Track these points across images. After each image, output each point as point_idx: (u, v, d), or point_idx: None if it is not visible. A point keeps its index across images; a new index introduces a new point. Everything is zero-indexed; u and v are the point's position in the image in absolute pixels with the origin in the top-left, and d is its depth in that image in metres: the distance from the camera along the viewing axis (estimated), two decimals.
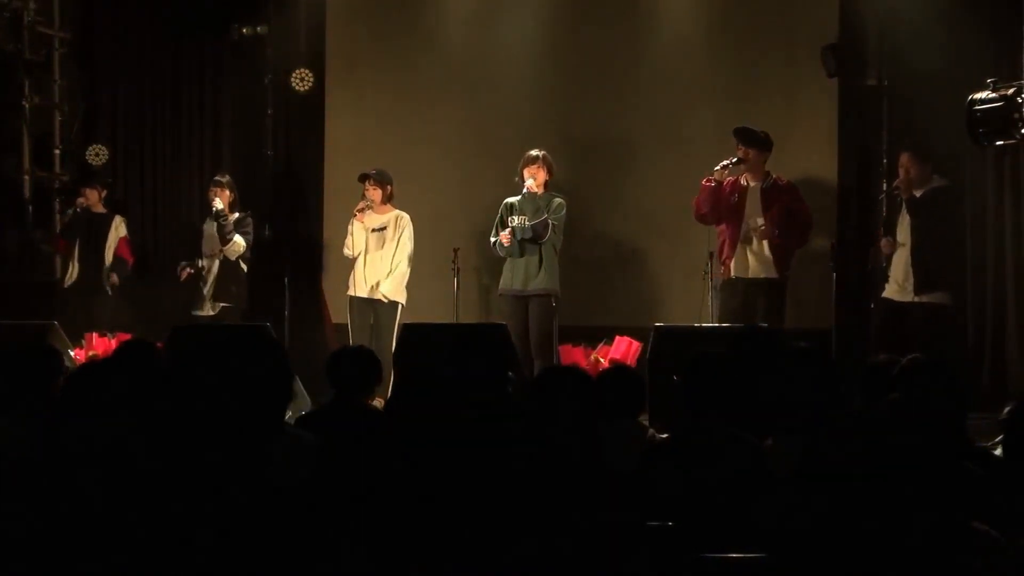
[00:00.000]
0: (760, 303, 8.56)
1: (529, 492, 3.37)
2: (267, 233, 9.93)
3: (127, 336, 8.07)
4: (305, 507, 3.29)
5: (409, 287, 9.05)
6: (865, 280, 9.20)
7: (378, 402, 6.61)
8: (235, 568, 3.12)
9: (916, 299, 8.42)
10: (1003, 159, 9.04)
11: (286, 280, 9.74)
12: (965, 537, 2.73)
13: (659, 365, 7.41)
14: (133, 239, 9.86)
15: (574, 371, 4.08)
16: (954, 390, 4.04)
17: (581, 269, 9.50)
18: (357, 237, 9.05)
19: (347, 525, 3.21)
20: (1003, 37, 8.78)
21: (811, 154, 9.62)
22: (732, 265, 8.63)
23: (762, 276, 8.61)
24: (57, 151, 10.22)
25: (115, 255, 9.71)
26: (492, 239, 8.77)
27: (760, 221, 8.61)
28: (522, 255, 8.63)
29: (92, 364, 4.60)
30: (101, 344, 8.70)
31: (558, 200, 8.68)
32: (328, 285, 10.08)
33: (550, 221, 8.57)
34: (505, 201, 8.76)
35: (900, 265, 8.50)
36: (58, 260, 9.94)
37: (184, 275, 9.41)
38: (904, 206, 8.47)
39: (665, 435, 4.71)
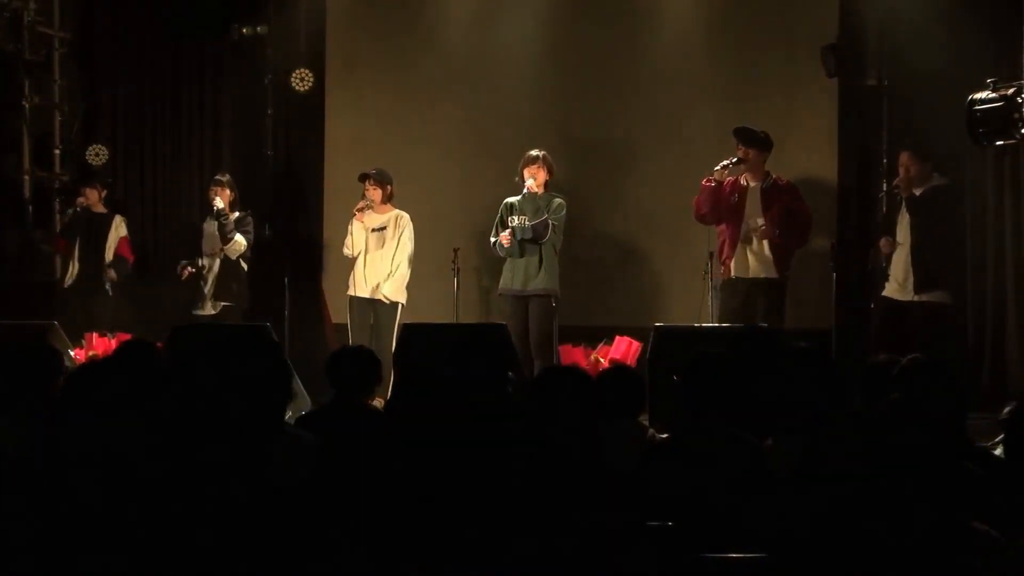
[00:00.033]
0: (760, 303, 8.56)
1: (529, 492, 3.37)
2: (267, 233, 9.93)
3: (127, 336, 8.07)
4: (305, 507, 3.29)
5: (409, 287, 9.05)
6: (865, 280, 9.20)
7: (378, 402, 6.61)
8: (235, 568, 3.12)
9: (916, 298, 8.41)
10: (1003, 159, 9.04)
11: (286, 280, 9.74)
12: (965, 537, 2.73)
13: (659, 365, 7.41)
14: (133, 239, 9.86)
15: (574, 371, 4.08)
16: (954, 390, 4.04)
17: (581, 269, 9.50)
18: (357, 237, 9.05)
19: (347, 525, 3.20)
20: (1003, 37, 8.78)
21: (811, 154, 9.62)
22: (732, 265, 8.63)
23: (762, 276, 8.61)
24: (57, 151, 10.22)
25: (116, 254, 9.71)
26: (492, 239, 8.76)
27: (760, 221, 8.61)
28: (522, 255, 8.63)
29: (92, 364, 4.59)
30: (101, 344, 8.70)
31: (558, 200, 8.68)
32: (328, 285, 10.08)
33: (550, 221, 8.57)
34: (505, 201, 8.76)
35: (900, 264, 8.50)
36: (58, 260, 9.94)
37: (185, 274, 9.41)
38: (904, 205, 8.47)
39: (665, 435, 4.71)
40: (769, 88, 9.69)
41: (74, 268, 9.69)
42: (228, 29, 9.97)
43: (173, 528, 3.14)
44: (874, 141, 9.47)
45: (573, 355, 8.52)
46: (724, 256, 8.66)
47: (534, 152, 8.72)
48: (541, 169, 8.67)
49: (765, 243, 8.61)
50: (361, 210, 9.02)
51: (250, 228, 9.41)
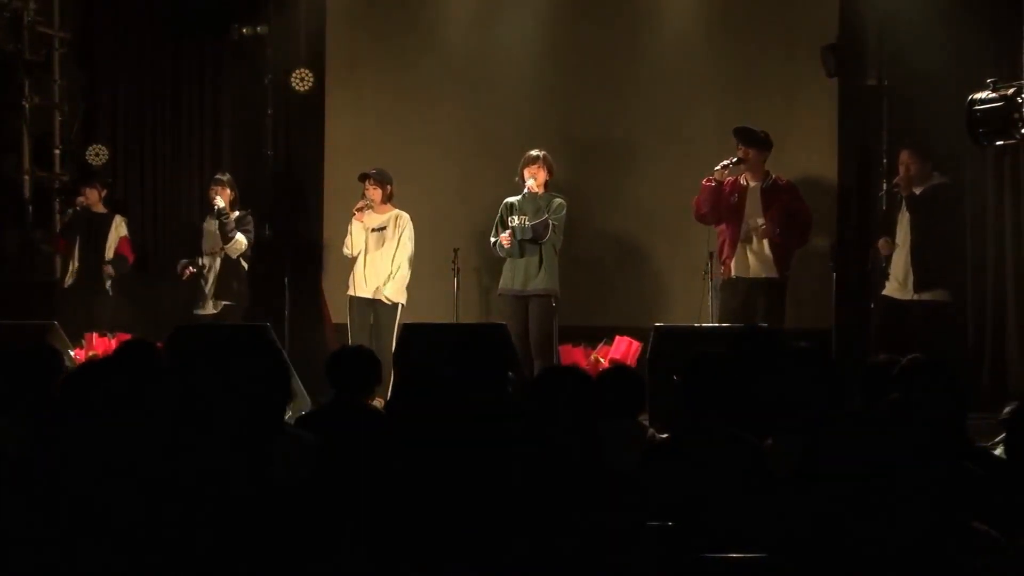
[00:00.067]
0: (760, 303, 8.56)
1: (529, 492, 3.37)
2: (267, 233, 9.93)
3: (127, 336, 8.07)
4: (305, 507, 3.29)
5: (409, 287, 9.05)
6: (865, 280, 9.20)
7: (378, 402, 6.61)
8: (235, 568, 3.12)
9: (916, 297, 8.41)
10: (1003, 159, 9.04)
11: (286, 280, 9.75)
12: (965, 537, 2.73)
13: (659, 365, 7.41)
14: (133, 239, 9.86)
15: (574, 371, 4.08)
16: (954, 390, 4.04)
17: (581, 269, 9.50)
18: (356, 237, 9.05)
19: (347, 525, 3.20)
20: (1003, 37, 8.78)
21: (811, 154, 9.62)
22: (732, 265, 8.63)
23: (762, 276, 8.61)
24: (57, 151, 10.22)
25: (116, 253, 9.71)
26: (492, 239, 8.76)
27: (761, 221, 8.62)
28: (522, 255, 8.63)
29: (92, 364, 4.59)
30: (101, 344, 8.70)
31: (558, 200, 8.68)
32: (328, 285, 10.08)
33: (550, 221, 8.57)
34: (505, 201, 8.76)
35: (900, 263, 8.50)
36: (58, 260, 9.94)
37: (186, 274, 9.40)
38: (904, 203, 8.46)
39: (665, 435, 4.71)
40: (769, 88, 9.69)
41: (74, 268, 9.69)
42: (228, 29, 9.97)
43: (173, 528, 3.14)
44: (874, 141, 9.47)
45: (573, 355, 8.52)
46: (724, 256, 8.66)
47: (534, 152, 8.72)
48: (541, 169, 8.67)
49: (765, 243, 8.61)
50: (361, 210, 9.02)
51: (251, 227, 9.42)
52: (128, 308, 9.57)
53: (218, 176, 9.51)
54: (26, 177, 10.07)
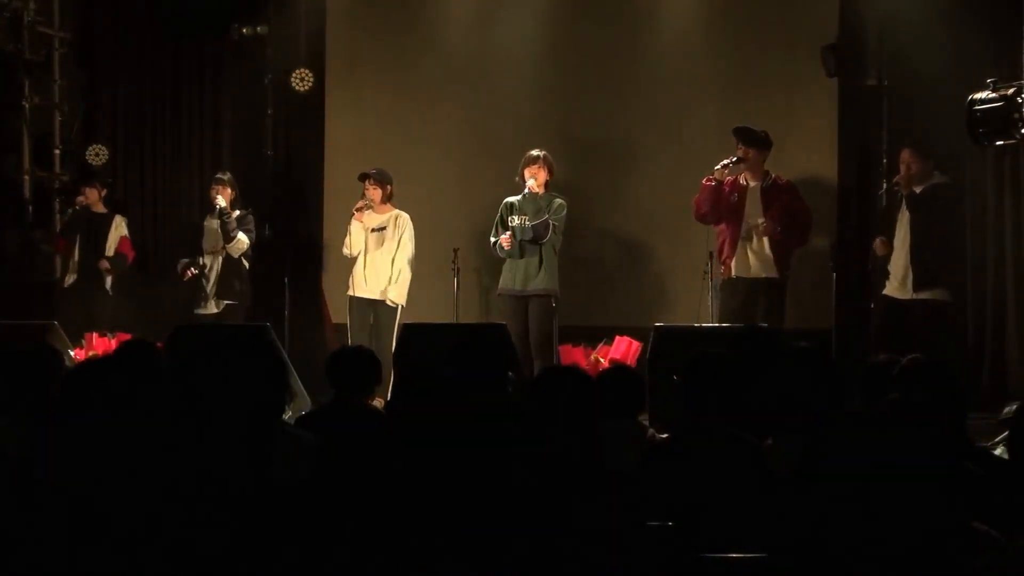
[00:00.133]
0: (760, 303, 8.56)
1: (529, 492, 3.37)
2: (267, 232, 9.93)
3: (127, 336, 8.07)
4: (305, 507, 3.29)
5: (409, 287, 9.05)
6: (865, 280, 9.19)
7: (378, 402, 6.61)
8: (235, 568, 3.12)
9: (916, 296, 8.40)
10: (1003, 159, 9.04)
11: (286, 280, 9.75)
12: (965, 537, 2.73)
13: (659, 365, 7.41)
14: (134, 239, 9.86)
15: (574, 371, 4.08)
16: (954, 390, 4.04)
17: (581, 269, 9.50)
18: (356, 237, 9.05)
19: (347, 525, 3.20)
20: (1003, 37, 8.78)
21: (811, 154, 9.62)
22: (733, 265, 8.63)
23: (763, 276, 8.62)
24: (57, 151, 10.22)
25: (116, 252, 9.70)
26: (492, 239, 8.76)
27: (761, 220, 8.62)
28: (522, 256, 8.63)
29: (91, 362, 4.59)
30: (101, 344, 8.70)
31: (559, 201, 8.68)
32: (328, 285, 10.08)
33: (551, 222, 8.57)
34: (505, 200, 8.76)
35: (900, 262, 8.49)
36: (58, 260, 9.93)
37: (187, 275, 9.39)
38: (904, 202, 8.46)
39: (665, 435, 4.71)
40: (769, 88, 9.69)
41: (74, 268, 9.68)
42: (228, 29, 9.97)
43: (173, 528, 3.14)
44: (874, 141, 9.47)
45: (573, 355, 8.52)
46: (724, 256, 8.66)
47: (535, 152, 8.72)
48: (542, 169, 8.67)
49: (766, 242, 8.61)
50: (360, 210, 9.02)
51: (251, 226, 9.43)
52: (128, 308, 9.57)
53: (219, 175, 9.52)
54: (26, 177, 10.07)
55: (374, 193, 9.05)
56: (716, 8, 9.89)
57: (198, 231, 9.63)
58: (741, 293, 8.62)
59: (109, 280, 9.68)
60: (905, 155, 8.49)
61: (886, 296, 8.60)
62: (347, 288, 9.13)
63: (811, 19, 9.67)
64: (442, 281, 9.08)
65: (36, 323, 8.55)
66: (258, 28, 9.94)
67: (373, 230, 9.05)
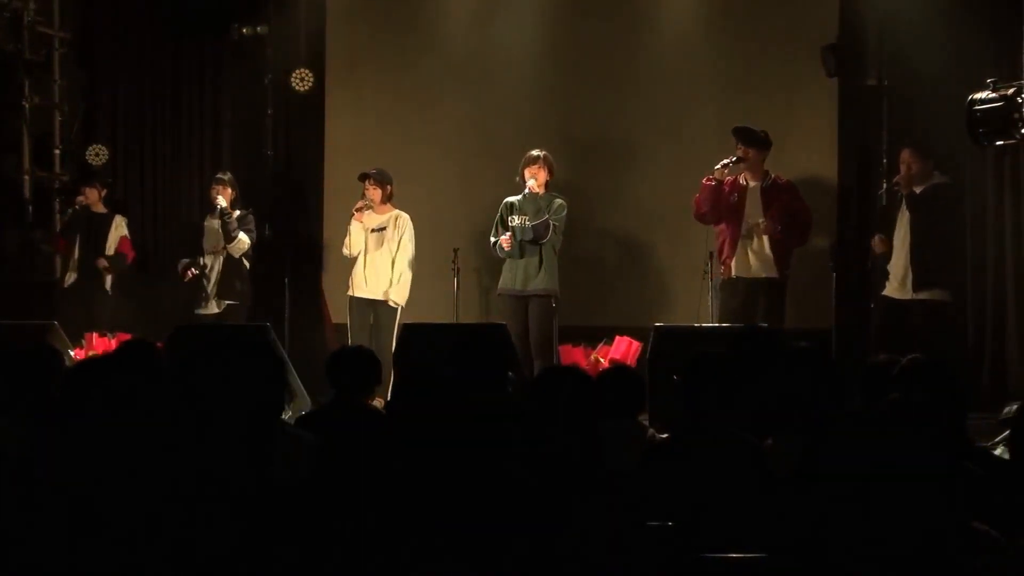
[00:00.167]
0: (760, 303, 8.56)
1: (529, 492, 3.37)
2: (267, 233, 9.93)
3: (127, 336, 8.06)
4: (305, 507, 3.29)
5: (409, 287, 9.06)
6: (865, 280, 9.20)
7: (378, 402, 6.61)
8: (235, 568, 3.12)
9: (915, 296, 8.40)
10: (1003, 159, 9.04)
11: (286, 280, 9.75)
12: (965, 537, 2.73)
13: (659, 365, 7.42)
14: (134, 239, 9.86)
15: (574, 371, 4.08)
16: (954, 390, 4.04)
17: (581, 269, 9.50)
18: (356, 237, 9.05)
19: (347, 525, 3.20)
20: (1003, 37, 8.78)
21: (811, 154, 9.62)
22: (733, 264, 8.63)
23: (763, 276, 8.62)
24: (57, 151, 10.22)
25: (116, 251, 9.70)
26: (492, 239, 8.76)
27: (762, 220, 8.62)
28: (522, 256, 8.64)
29: (90, 361, 4.58)
30: (101, 344, 8.70)
31: (559, 201, 8.68)
32: (328, 285, 10.08)
33: (551, 222, 8.57)
34: (505, 200, 8.76)
35: (900, 262, 8.49)
36: (58, 260, 9.93)
37: (187, 275, 9.38)
38: (904, 202, 8.46)
39: (665, 435, 4.71)
40: (769, 88, 9.69)
41: (74, 268, 9.68)
42: (228, 29, 9.97)
43: (173, 528, 3.14)
44: (874, 141, 9.47)
45: (573, 355, 8.52)
46: (724, 256, 8.67)
47: (535, 152, 8.72)
48: (542, 169, 8.67)
49: (766, 242, 8.62)
50: (360, 210, 9.02)
51: (252, 226, 9.43)
52: (128, 308, 9.57)
53: (219, 175, 9.52)
54: (26, 177, 10.07)
55: (374, 193, 9.04)
56: (716, 8, 9.89)
57: (198, 231, 9.63)
58: (741, 293, 8.62)
59: (109, 280, 9.68)
60: (905, 155, 8.49)
61: (885, 297, 8.60)
62: (347, 288, 9.13)
63: (811, 19, 9.67)
64: (442, 281, 9.08)
65: (36, 323, 8.55)
66: (258, 28, 9.94)
67: (373, 230, 9.05)
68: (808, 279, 9.06)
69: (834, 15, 9.61)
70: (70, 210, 9.79)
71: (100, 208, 9.80)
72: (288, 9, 10.08)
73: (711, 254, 8.64)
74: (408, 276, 9.01)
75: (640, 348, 8.35)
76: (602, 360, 8.41)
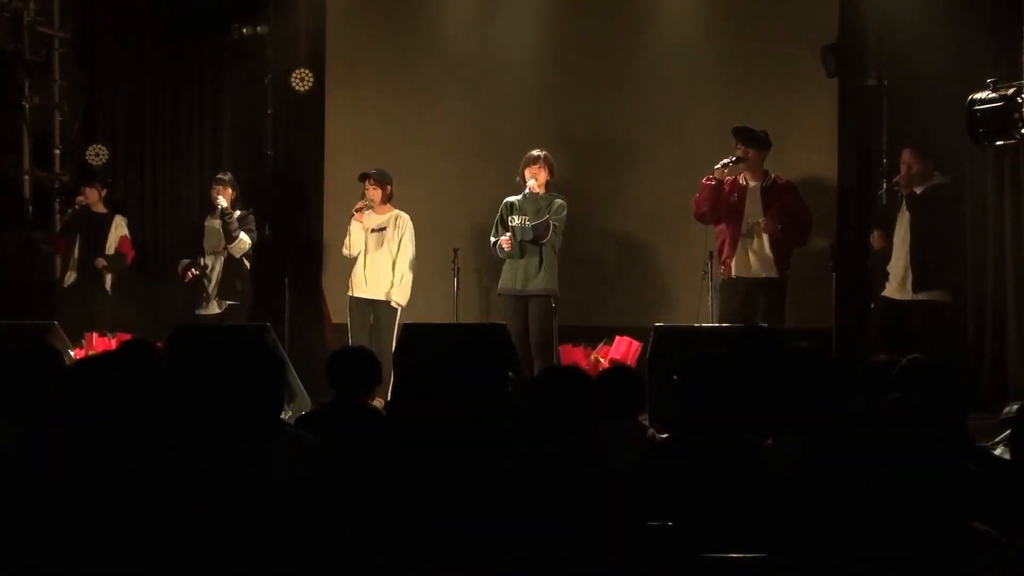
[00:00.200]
0: (760, 303, 8.56)
1: (529, 492, 3.37)
2: (267, 233, 9.93)
3: (127, 336, 8.06)
4: (305, 507, 3.29)
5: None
6: (865, 280, 9.20)
7: (378, 402, 6.61)
8: (235, 568, 3.12)
9: (915, 297, 8.40)
10: (1003, 159, 9.04)
11: (286, 280, 9.75)
12: (965, 537, 2.73)
13: (659, 365, 7.41)
14: (134, 239, 9.85)
15: (574, 371, 4.08)
16: (954, 390, 4.04)
17: (581, 269, 9.50)
18: (356, 237, 9.05)
19: (347, 525, 3.20)
20: (1003, 37, 8.78)
21: (811, 154, 9.62)
22: (733, 264, 8.63)
23: (762, 276, 8.62)
24: (57, 151, 10.21)
25: (116, 251, 9.70)
26: (492, 239, 8.76)
27: (762, 220, 8.63)
28: (522, 256, 8.64)
29: (89, 360, 4.58)
30: (101, 344, 8.69)
31: (559, 201, 8.68)
32: (328, 285, 10.08)
33: (551, 222, 8.57)
34: (505, 200, 8.76)
35: (900, 263, 8.49)
36: (58, 260, 9.93)
37: (188, 276, 9.37)
38: (904, 203, 8.46)
39: (665, 435, 4.71)
40: (769, 88, 9.69)
41: (74, 268, 9.68)
42: (228, 29, 9.96)
43: (173, 528, 3.14)
44: (874, 141, 9.47)
45: (573, 355, 8.52)
46: (724, 256, 8.67)
47: (535, 152, 8.72)
48: (542, 169, 8.67)
49: (766, 242, 8.62)
50: (360, 210, 9.02)
51: (253, 227, 9.43)
52: (128, 308, 9.56)
53: (220, 176, 9.52)
54: (26, 177, 10.06)
55: (374, 193, 9.04)
56: (716, 8, 9.89)
57: (198, 231, 9.62)
58: (741, 293, 8.62)
59: (109, 280, 9.68)
60: (906, 156, 8.48)
61: (885, 298, 8.59)
62: (347, 288, 9.13)
63: (811, 19, 9.67)
64: (442, 281, 9.08)
65: (36, 323, 8.55)
66: (258, 28, 9.94)
67: (373, 230, 9.05)
68: (808, 279, 9.06)
69: (834, 15, 9.60)
70: (70, 210, 9.78)
71: (100, 208, 9.80)
72: (288, 9, 10.08)
73: (711, 254, 8.64)
74: (409, 277, 9.02)
75: (640, 348, 8.35)
76: (602, 360, 8.41)
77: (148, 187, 10.46)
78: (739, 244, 8.63)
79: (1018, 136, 7.40)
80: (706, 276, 8.63)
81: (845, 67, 9.31)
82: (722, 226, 8.71)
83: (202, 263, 9.42)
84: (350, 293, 9.09)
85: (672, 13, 9.88)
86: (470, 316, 9.42)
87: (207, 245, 9.49)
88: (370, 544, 3.16)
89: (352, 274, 9.09)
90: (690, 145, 9.63)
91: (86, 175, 9.98)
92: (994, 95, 7.39)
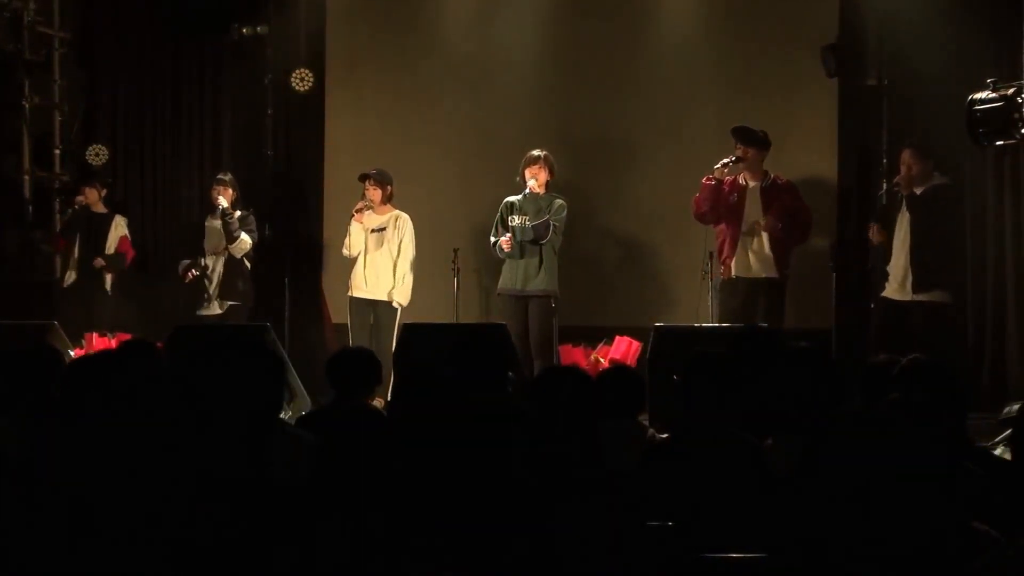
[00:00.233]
0: (760, 303, 8.56)
1: (529, 492, 3.37)
2: (267, 233, 9.93)
3: (127, 336, 8.06)
4: (305, 507, 3.29)
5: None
6: (865, 280, 9.19)
7: (378, 402, 6.62)
8: (235, 568, 3.12)
9: (915, 298, 8.40)
10: (1003, 159, 9.04)
11: (286, 280, 9.75)
12: (965, 537, 2.73)
13: (659, 365, 7.41)
14: (134, 239, 9.85)
15: (574, 371, 4.08)
16: (954, 390, 4.04)
17: (581, 269, 9.50)
18: (356, 237, 9.05)
19: (347, 525, 3.21)
20: (1003, 37, 8.78)
21: (811, 154, 9.62)
22: (733, 264, 8.63)
23: (762, 276, 8.62)
24: (57, 151, 10.21)
25: (116, 251, 9.70)
26: (492, 239, 8.76)
27: (763, 218, 8.63)
28: (522, 256, 8.64)
29: (89, 358, 4.58)
30: (101, 344, 8.69)
31: (559, 201, 8.68)
32: (328, 285, 10.08)
33: (552, 222, 8.57)
34: (505, 200, 8.76)
35: (899, 263, 8.49)
36: (58, 260, 9.93)
37: (188, 277, 9.36)
38: (904, 203, 8.45)
39: (665, 435, 4.71)
40: (769, 88, 9.68)
41: (74, 268, 9.68)
42: (228, 29, 9.96)
43: (173, 528, 3.14)
44: (874, 141, 9.47)
45: (573, 355, 8.52)
46: (724, 256, 8.67)
47: (535, 152, 8.72)
48: (543, 169, 8.67)
49: (766, 242, 8.62)
50: (360, 211, 9.02)
51: (253, 227, 9.43)
52: (128, 308, 9.56)
53: (220, 176, 9.51)
54: (26, 177, 10.06)
55: (374, 194, 9.04)
56: (716, 8, 9.89)
57: (199, 231, 9.62)
58: (741, 293, 8.62)
59: (109, 280, 9.67)
60: (906, 156, 8.48)
61: (885, 298, 8.59)
62: (347, 289, 9.13)
63: (811, 19, 9.67)
64: (442, 281, 9.08)
65: (36, 323, 8.55)
66: (258, 28, 9.94)
67: (373, 231, 9.04)
68: (808, 279, 9.06)
69: (834, 15, 9.60)
70: (70, 210, 9.78)
71: (100, 208, 9.79)
72: (288, 9, 10.08)
73: (711, 254, 8.64)
74: (410, 277, 9.02)
75: (640, 348, 8.35)
76: (602, 360, 8.41)
77: (148, 187, 10.45)
78: (739, 244, 8.63)
79: (1018, 136, 7.40)
80: (706, 276, 8.63)
81: (845, 67, 9.31)
82: (722, 226, 8.71)
83: (203, 263, 9.41)
84: (350, 293, 9.09)
85: (672, 13, 9.88)
86: (470, 316, 9.42)
87: (208, 245, 9.49)
88: (370, 544, 3.16)
89: (352, 274, 9.09)
90: (690, 145, 9.63)
91: (86, 175, 9.97)
92: (994, 95, 7.39)
